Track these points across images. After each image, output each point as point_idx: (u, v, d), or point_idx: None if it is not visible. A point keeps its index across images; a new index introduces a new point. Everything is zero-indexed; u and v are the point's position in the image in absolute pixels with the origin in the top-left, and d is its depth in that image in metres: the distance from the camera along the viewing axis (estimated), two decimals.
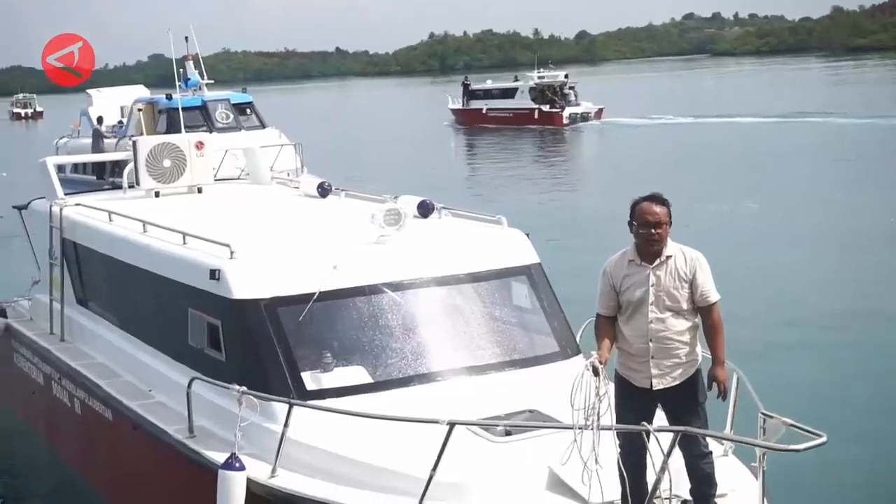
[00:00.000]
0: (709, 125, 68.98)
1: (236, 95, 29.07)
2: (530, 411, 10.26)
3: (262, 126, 28.22)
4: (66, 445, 15.01)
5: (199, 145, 16.16)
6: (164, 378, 12.34)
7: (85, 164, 27.74)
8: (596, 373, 8.37)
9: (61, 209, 15.23)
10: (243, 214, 14.57)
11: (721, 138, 59.41)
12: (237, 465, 9.79)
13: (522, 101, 76.71)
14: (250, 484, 9.80)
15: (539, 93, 76.33)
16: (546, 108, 74.97)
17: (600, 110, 76.60)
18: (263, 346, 10.71)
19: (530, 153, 61.85)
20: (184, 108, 23.38)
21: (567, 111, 74.71)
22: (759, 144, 54.63)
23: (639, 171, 44.46)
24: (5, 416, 17.40)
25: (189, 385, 10.89)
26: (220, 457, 10.32)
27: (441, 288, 11.47)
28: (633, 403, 8.44)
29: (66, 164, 22.25)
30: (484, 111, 79.26)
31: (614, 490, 8.63)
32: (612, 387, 8.74)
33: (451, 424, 8.59)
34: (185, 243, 12.22)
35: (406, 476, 9.19)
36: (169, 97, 25.50)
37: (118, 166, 29.01)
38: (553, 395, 10.58)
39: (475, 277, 11.67)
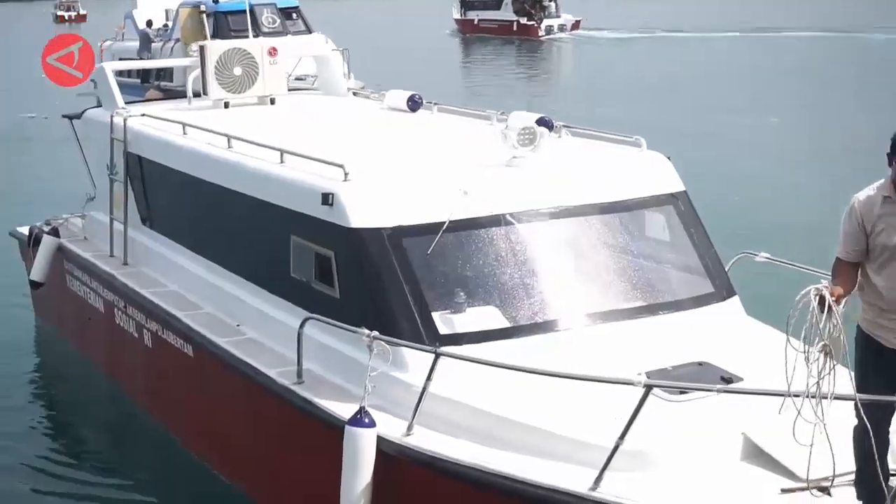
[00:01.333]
0: (690, 40, 70.58)
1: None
2: (699, 364, 8.92)
3: (309, 31, 26.80)
4: (130, 378, 13.70)
5: (273, 51, 14.65)
6: (255, 312, 10.99)
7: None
8: (823, 305, 6.74)
9: (125, 120, 13.76)
10: (332, 130, 13.08)
11: (701, 56, 60.71)
12: (367, 420, 8.49)
13: (506, 13, 78.66)
14: (381, 442, 8.50)
15: (521, 4, 77.65)
16: (524, 20, 76.66)
17: (577, 22, 78.28)
18: (388, 282, 9.34)
19: (510, 63, 63.78)
20: (229, 12, 21.90)
21: (544, 23, 76.34)
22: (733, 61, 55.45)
23: (614, 86, 45.39)
24: (56, 341, 16.07)
25: (302, 325, 9.52)
26: (337, 408, 9.03)
27: (583, 218, 10.07)
28: (884, 368, 7.02)
29: None
30: (476, 22, 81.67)
31: (827, 465, 7.26)
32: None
33: (648, 387, 7.23)
34: (282, 161, 10.79)
35: (576, 441, 7.88)
36: (215, 0, 24.17)
37: (164, 70, 27.95)
38: (718, 343, 9.29)
39: (619, 207, 10.27)
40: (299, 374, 9.67)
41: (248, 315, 11.14)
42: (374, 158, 10.79)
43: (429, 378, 8.34)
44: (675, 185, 10.70)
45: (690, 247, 10.38)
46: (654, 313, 9.70)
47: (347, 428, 8.47)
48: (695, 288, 10.12)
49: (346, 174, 9.79)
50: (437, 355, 8.29)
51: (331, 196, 9.63)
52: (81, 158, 15.60)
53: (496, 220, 9.74)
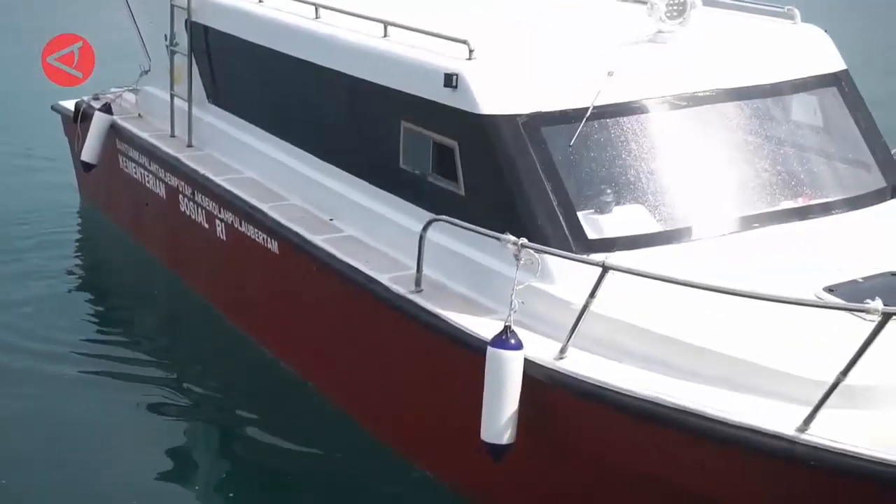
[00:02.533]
0: None
1: None
2: (893, 274, 7.72)
3: None
4: (195, 270, 12.53)
5: None
6: (353, 207, 9.77)
7: None
8: None
9: None
10: (445, 1, 11.37)
11: None
12: (513, 341, 7.31)
13: None
14: (529, 367, 7.33)
15: None
16: None
17: None
18: (525, 178, 8.08)
19: None
20: None
21: None
22: None
23: None
24: (104, 225, 14.87)
25: (426, 227, 8.29)
26: (470, 323, 7.88)
27: (740, 103, 8.78)
28: None
29: None
30: None
31: None
32: None
33: (887, 315, 6.01)
34: (385, 35, 9.45)
35: (779, 373, 6.70)
36: None
37: None
38: None
39: (778, 89, 8.96)
40: (418, 283, 8.48)
41: (344, 209, 9.92)
42: (501, 34, 9.41)
43: (592, 295, 7.13)
44: (836, 63, 9.37)
45: (858, 135, 9.10)
46: (827, 212, 8.47)
47: (491, 350, 7.30)
48: (866, 183, 8.87)
49: (470, 52, 8.46)
50: (605, 269, 7.06)
51: (455, 77, 8.32)
52: (133, 27, 14.22)
53: (644, 106, 8.46)
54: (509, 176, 8.12)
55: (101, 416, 10.37)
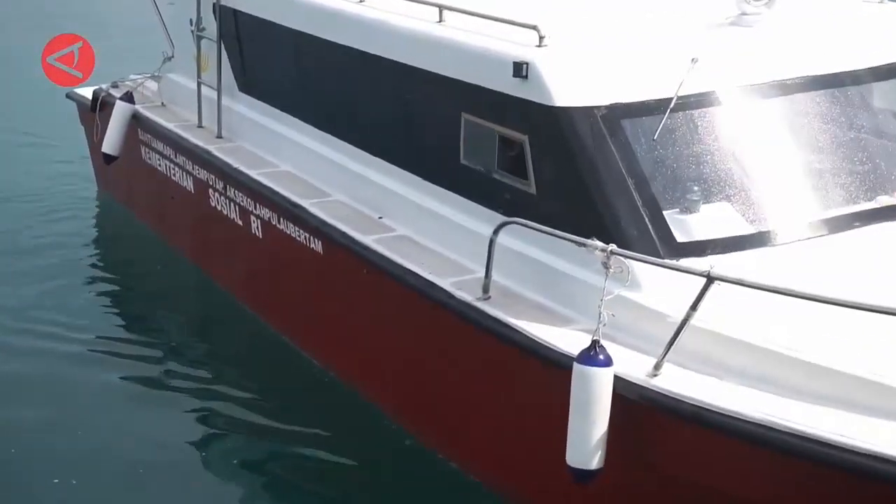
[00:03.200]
0: None
1: None
2: None
3: None
4: (226, 268, 11.86)
5: None
6: (406, 204, 9.11)
7: None
8: None
9: None
10: None
11: None
12: (602, 357, 6.65)
13: None
14: (619, 384, 6.69)
15: None
16: None
17: None
18: (606, 175, 7.41)
19: None
20: None
21: None
22: None
23: None
24: (126, 220, 14.19)
25: (497, 230, 7.62)
26: (549, 335, 7.22)
27: (833, 90, 8.10)
28: None
29: None
30: None
31: None
32: None
33: None
34: (441, 20, 8.77)
35: None
36: None
37: None
38: None
39: (873, 74, 8.29)
40: (486, 288, 7.81)
41: (395, 207, 9.26)
42: (572, 19, 8.72)
43: (694, 307, 6.47)
44: None
45: None
46: None
47: (578, 366, 6.65)
48: None
49: (540, 38, 7.78)
50: (711, 279, 6.39)
51: (525, 66, 7.63)
52: (154, 9, 13.52)
53: (729, 95, 7.78)
54: (587, 173, 7.45)
55: (132, 424, 9.73)
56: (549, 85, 7.55)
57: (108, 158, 13.19)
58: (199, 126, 12.23)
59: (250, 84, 11.55)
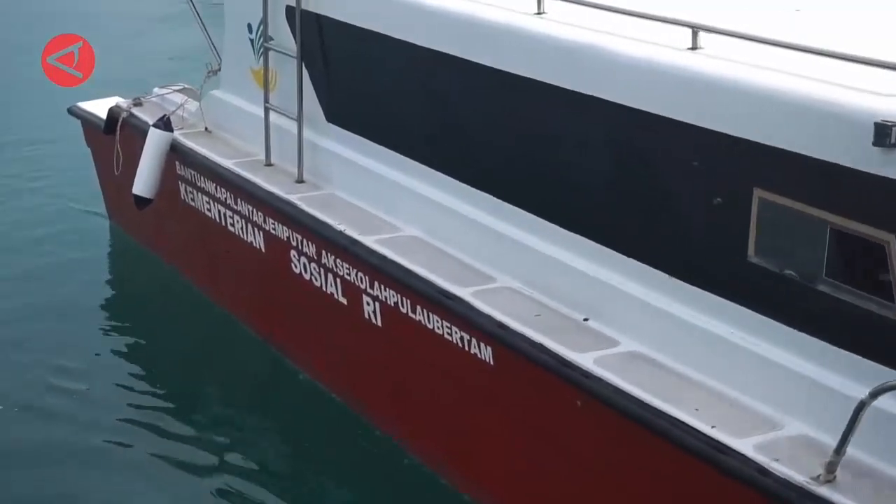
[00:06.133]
0: None
1: None
2: None
3: None
4: (321, 358, 9.09)
5: None
6: (640, 308, 6.42)
7: None
8: None
9: None
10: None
11: None
12: None
13: None
14: None
15: None
16: None
17: None
18: None
19: None
20: None
21: None
22: None
23: None
24: (155, 269, 11.33)
25: (876, 394, 4.93)
26: None
27: None
28: None
29: None
30: None
31: None
32: None
33: None
34: (695, 47, 6.05)
35: None
36: None
37: None
38: None
39: None
40: (831, 468, 5.14)
41: (612, 308, 6.57)
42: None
43: None
44: None
45: None
46: None
47: None
48: None
49: None
50: None
51: (893, 130, 4.94)
52: (191, 10, 10.69)
53: None
54: None
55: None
56: None
57: (142, 202, 10.30)
58: (268, 164, 9.44)
59: (344, 113, 8.79)
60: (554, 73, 6.68)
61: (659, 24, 6.23)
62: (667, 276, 6.22)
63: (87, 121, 11.79)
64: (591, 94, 6.43)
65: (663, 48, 6.14)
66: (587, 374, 6.20)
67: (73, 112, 12.04)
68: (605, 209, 6.61)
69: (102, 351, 10.02)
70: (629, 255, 6.44)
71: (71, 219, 12.58)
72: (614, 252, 6.52)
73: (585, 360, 6.28)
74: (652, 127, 6.12)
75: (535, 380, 6.61)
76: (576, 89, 6.51)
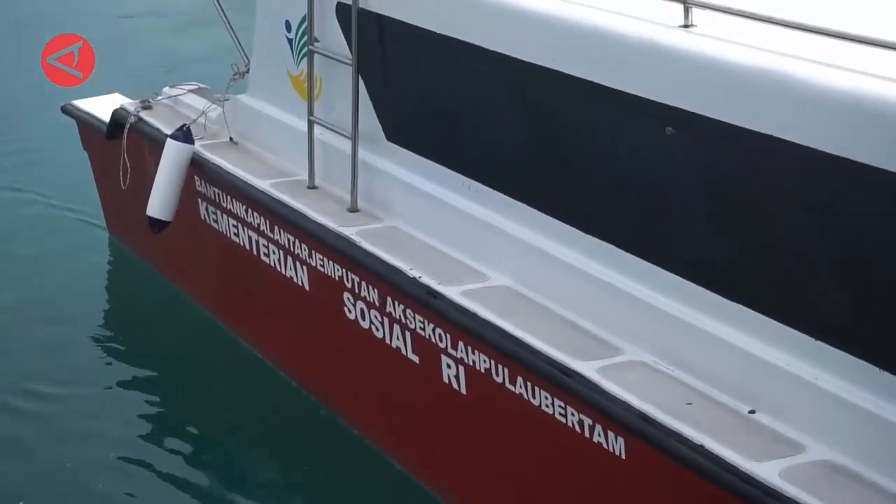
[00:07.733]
0: None
1: None
2: None
3: None
4: (380, 416, 7.76)
5: None
6: (832, 405, 5.11)
7: None
8: None
9: None
10: None
11: None
12: None
13: None
14: None
15: None
16: None
17: None
18: None
19: None
20: None
21: None
22: None
23: None
24: (169, 297, 9.94)
25: None
26: None
27: None
28: None
29: None
30: None
31: None
32: None
33: None
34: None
35: None
36: None
37: None
38: None
39: None
40: None
41: (787, 397, 5.26)
42: None
43: None
44: None
45: None
46: None
47: None
48: None
49: None
50: None
51: None
52: (215, 5, 9.32)
53: None
54: None
55: None
56: None
57: (158, 225, 8.90)
58: (311, 186, 8.08)
59: (410, 132, 7.42)
60: (705, 102, 5.36)
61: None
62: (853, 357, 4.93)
63: (85, 122, 10.42)
64: (711, 116, 5.17)
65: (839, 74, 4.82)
66: (773, 493, 4.91)
67: (68, 111, 10.64)
68: (792, 273, 5.29)
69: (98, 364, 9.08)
70: (795, 327, 5.16)
71: (67, 229, 11.23)
72: (780, 325, 5.22)
73: (769, 472, 4.99)
74: (818, 166, 4.83)
75: (681, 483, 5.33)
76: (693, 110, 5.24)
